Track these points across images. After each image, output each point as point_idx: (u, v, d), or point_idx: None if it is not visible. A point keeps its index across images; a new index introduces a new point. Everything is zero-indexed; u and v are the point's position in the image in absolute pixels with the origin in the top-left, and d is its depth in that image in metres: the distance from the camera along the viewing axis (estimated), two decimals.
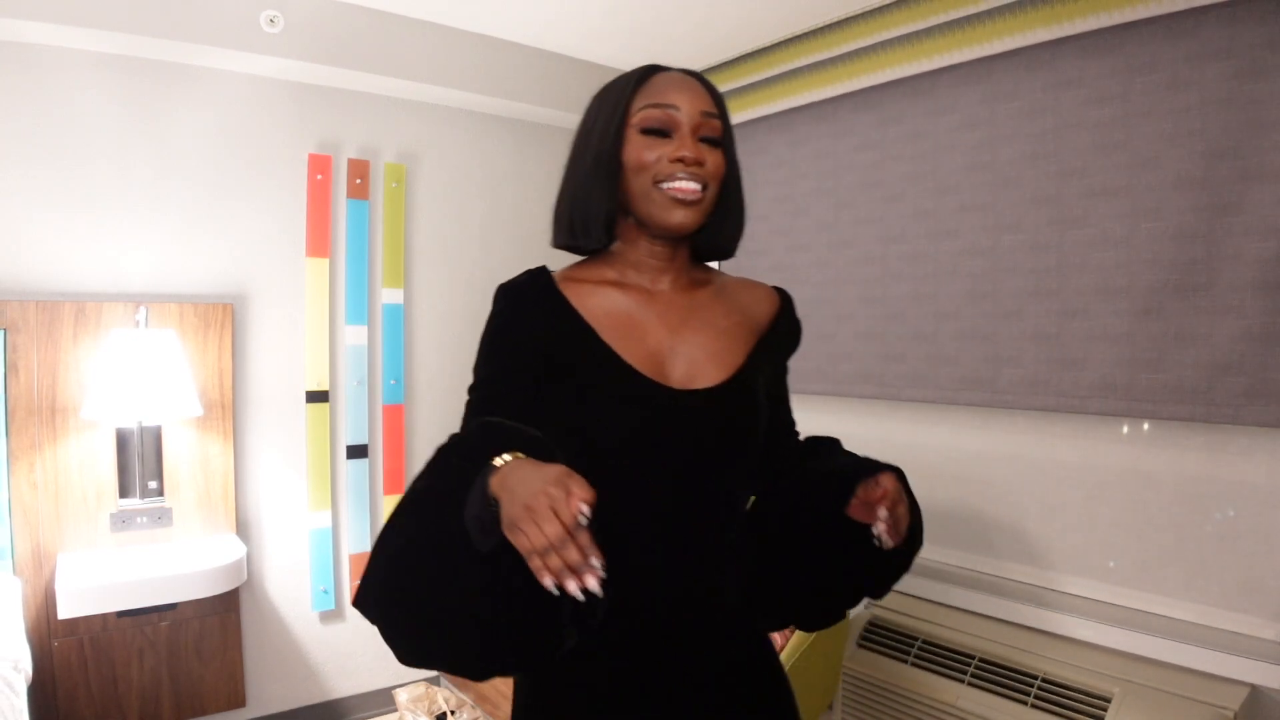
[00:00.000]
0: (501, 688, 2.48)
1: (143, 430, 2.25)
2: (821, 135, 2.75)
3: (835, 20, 2.57)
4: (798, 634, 1.89)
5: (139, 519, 2.26)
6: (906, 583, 2.50)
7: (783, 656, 1.83)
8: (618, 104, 0.95)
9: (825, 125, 2.74)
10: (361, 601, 0.85)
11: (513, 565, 0.75)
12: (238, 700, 2.43)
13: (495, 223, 3.00)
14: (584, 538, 0.71)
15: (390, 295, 2.76)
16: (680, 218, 0.93)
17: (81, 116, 2.22)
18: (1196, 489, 2.02)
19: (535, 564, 0.71)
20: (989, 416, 2.45)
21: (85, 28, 2.08)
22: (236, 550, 2.25)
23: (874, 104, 2.58)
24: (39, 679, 2.07)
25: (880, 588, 1.04)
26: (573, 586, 0.70)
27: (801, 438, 1.15)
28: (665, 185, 0.92)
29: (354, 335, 2.68)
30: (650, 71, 0.97)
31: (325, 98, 2.62)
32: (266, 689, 2.53)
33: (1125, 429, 2.16)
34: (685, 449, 0.91)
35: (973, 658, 2.12)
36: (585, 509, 0.70)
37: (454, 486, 0.81)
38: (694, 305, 0.99)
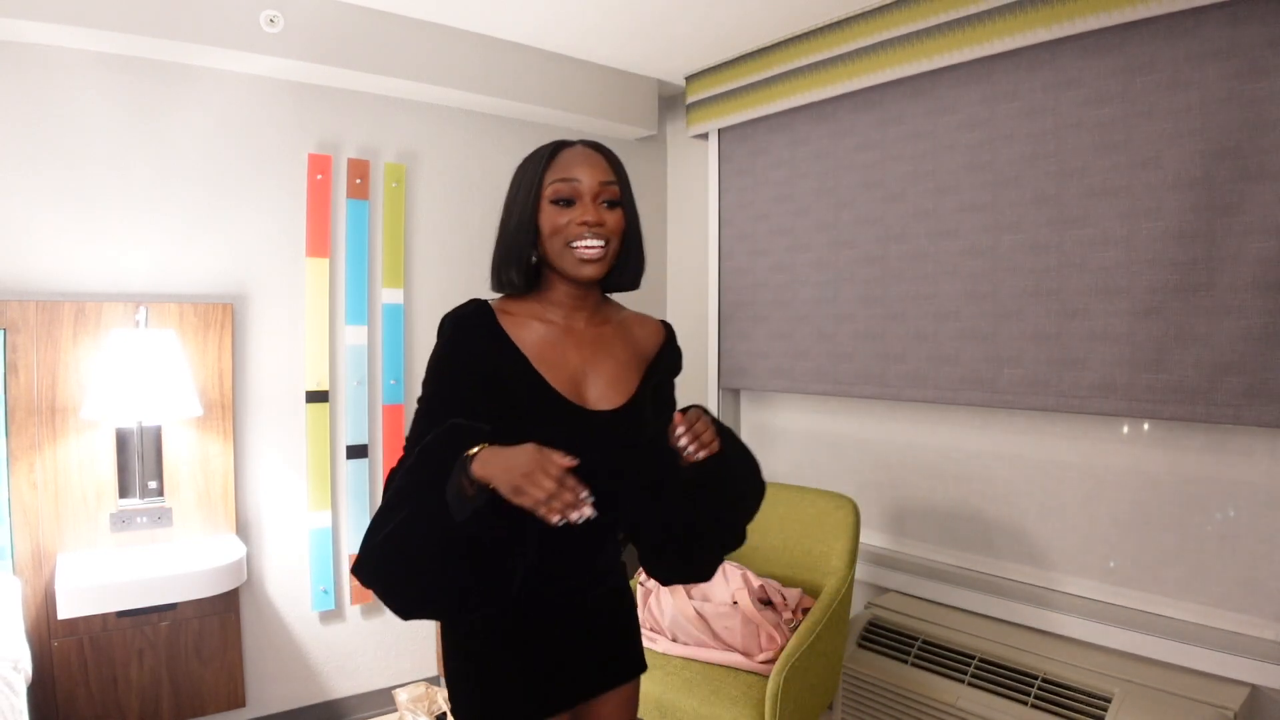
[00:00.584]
0: None
1: (143, 430, 2.25)
2: (822, 135, 2.75)
3: (835, 20, 2.57)
4: (797, 635, 1.89)
5: (139, 519, 2.26)
6: (907, 583, 2.51)
7: (783, 657, 1.83)
8: (533, 180, 1.18)
9: (825, 125, 2.74)
10: (360, 570, 1.07)
11: (480, 532, 1.03)
12: (238, 700, 2.43)
13: (495, 223, 3.00)
14: (571, 481, 0.96)
15: (390, 295, 2.76)
16: (589, 271, 1.16)
17: (81, 116, 2.22)
18: (1196, 489, 2.02)
19: (543, 512, 0.96)
20: (989, 416, 2.45)
21: (85, 28, 2.08)
22: (236, 550, 2.25)
23: (874, 104, 2.58)
24: (39, 679, 2.07)
25: (735, 510, 1.25)
26: (574, 516, 0.96)
27: None
28: (575, 245, 1.14)
29: (354, 335, 2.68)
30: (559, 147, 1.19)
31: (325, 98, 2.62)
32: (266, 689, 2.53)
33: (1125, 429, 2.16)
34: (595, 456, 1.11)
35: (973, 658, 2.12)
36: (568, 460, 0.97)
37: (435, 477, 1.04)
38: (601, 339, 1.23)
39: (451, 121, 2.88)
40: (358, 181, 2.66)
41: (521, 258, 1.19)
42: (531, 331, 1.18)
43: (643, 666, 1.34)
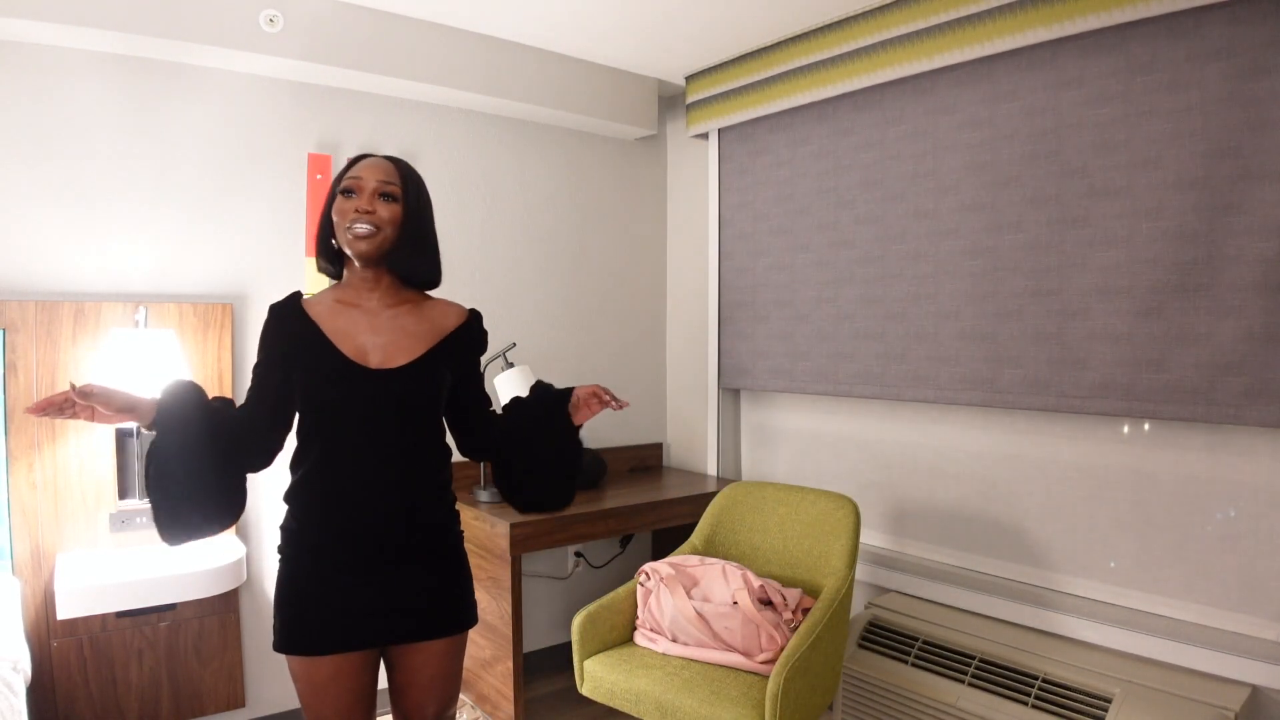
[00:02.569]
0: (501, 688, 2.48)
1: (142, 430, 2.25)
2: (822, 135, 2.75)
3: (835, 20, 2.57)
4: (797, 635, 1.89)
5: (138, 519, 2.26)
6: (907, 583, 2.51)
7: (783, 657, 1.83)
8: (335, 182, 1.46)
9: (825, 125, 2.74)
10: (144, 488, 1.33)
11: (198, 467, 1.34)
12: (237, 700, 2.43)
13: (495, 223, 3.00)
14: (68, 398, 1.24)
15: None
16: (361, 247, 1.41)
17: (81, 116, 2.22)
18: (1197, 489, 2.02)
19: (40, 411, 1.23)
20: (989, 416, 2.45)
21: (85, 28, 2.08)
22: (236, 550, 2.24)
23: (874, 104, 2.58)
24: (38, 679, 2.06)
25: (572, 462, 1.60)
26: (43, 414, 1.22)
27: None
28: (349, 227, 1.41)
29: None
30: (359, 158, 1.47)
31: (325, 97, 2.61)
32: (266, 689, 2.53)
33: (1126, 429, 2.16)
34: (376, 408, 1.41)
35: (973, 658, 2.12)
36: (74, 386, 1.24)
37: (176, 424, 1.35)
38: (394, 316, 1.48)
39: (452, 121, 2.88)
40: None
41: (325, 244, 1.48)
42: (330, 310, 1.46)
43: (459, 625, 1.49)
